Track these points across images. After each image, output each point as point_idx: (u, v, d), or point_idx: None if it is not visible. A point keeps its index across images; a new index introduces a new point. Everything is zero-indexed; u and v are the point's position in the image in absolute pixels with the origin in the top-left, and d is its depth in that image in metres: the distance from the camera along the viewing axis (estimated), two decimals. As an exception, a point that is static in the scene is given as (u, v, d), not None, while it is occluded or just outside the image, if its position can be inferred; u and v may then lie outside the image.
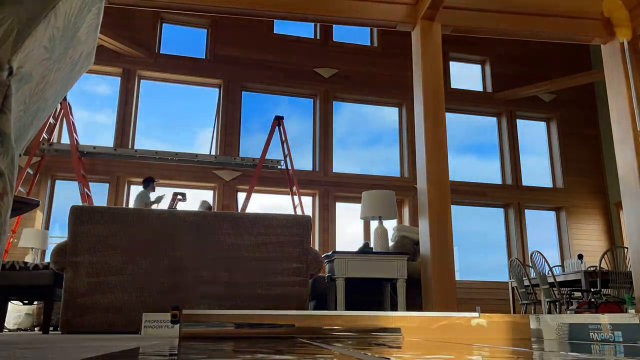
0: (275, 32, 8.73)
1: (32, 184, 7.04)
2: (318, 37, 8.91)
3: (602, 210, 9.09)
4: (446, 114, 4.13)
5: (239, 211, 7.49)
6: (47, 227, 7.34)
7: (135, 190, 7.74)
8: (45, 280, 3.53)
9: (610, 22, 4.44)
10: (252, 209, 7.71)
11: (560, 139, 9.33)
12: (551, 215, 9.13)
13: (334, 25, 9.04)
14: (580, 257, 6.26)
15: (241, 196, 7.92)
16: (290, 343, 1.87)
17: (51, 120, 7.25)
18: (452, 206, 9.94)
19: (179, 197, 7.03)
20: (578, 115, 9.56)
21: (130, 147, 7.72)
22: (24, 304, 4.16)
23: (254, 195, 7.95)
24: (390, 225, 9.56)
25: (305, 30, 8.96)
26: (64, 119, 7.33)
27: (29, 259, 6.13)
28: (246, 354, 1.26)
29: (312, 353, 1.29)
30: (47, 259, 6.58)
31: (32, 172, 7.13)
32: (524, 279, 6.34)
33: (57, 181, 7.56)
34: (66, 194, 7.61)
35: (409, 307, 4.25)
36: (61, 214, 7.51)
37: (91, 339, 2.33)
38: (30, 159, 6.90)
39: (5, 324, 5.33)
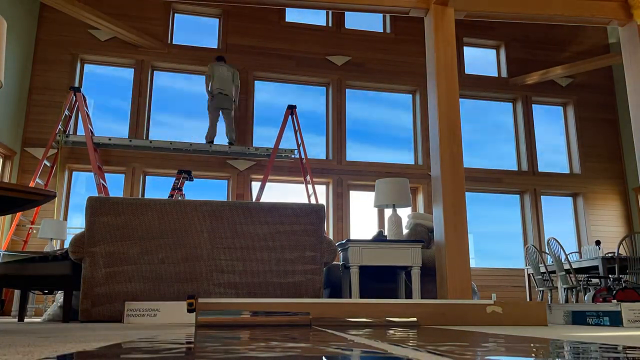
0: (286, 20, 8.69)
1: (49, 176, 7.14)
2: (330, 25, 8.85)
3: (621, 196, 8.97)
4: (460, 99, 4.09)
5: (254, 201, 7.53)
6: (65, 218, 7.45)
7: (151, 180, 7.80)
8: (64, 271, 3.59)
9: (627, 3, 4.34)
10: (266, 198, 7.75)
11: (577, 123, 9.19)
12: (568, 201, 9.03)
13: (346, 13, 8.96)
14: (597, 243, 6.19)
15: (255, 186, 7.95)
16: (305, 331, 1.88)
17: (66, 112, 7.33)
18: (466, 193, 9.82)
19: (185, 175, 7.08)
20: (595, 100, 9.41)
21: (145, 138, 7.78)
22: (44, 294, 4.24)
23: (268, 185, 7.98)
24: (405, 213, 9.47)
25: (317, 18, 8.90)
26: (79, 111, 7.40)
27: (47, 249, 6.23)
28: (261, 341, 1.27)
29: (326, 340, 1.29)
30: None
31: (49, 164, 7.23)
32: (540, 265, 6.30)
33: (74, 172, 7.66)
34: (86, 185, 7.71)
35: (424, 295, 4.25)
36: (80, 205, 7.62)
37: (109, 327, 2.36)
38: (47, 151, 6.99)
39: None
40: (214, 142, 7.46)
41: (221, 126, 7.66)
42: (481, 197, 8.75)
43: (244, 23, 8.48)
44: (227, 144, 7.50)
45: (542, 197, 8.84)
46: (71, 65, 7.73)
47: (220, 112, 7.45)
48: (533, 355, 0.98)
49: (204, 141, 7.69)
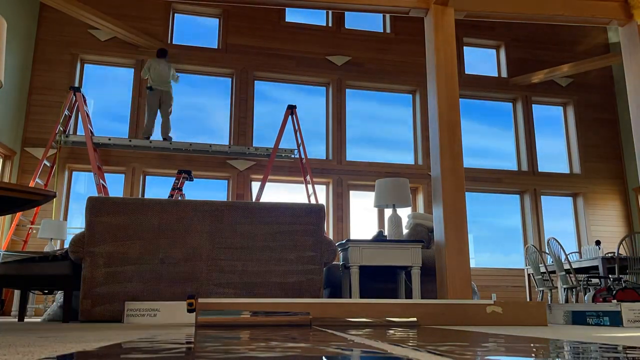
0: (287, 20, 8.69)
1: (49, 176, 7.14)
2: (330, 25, 8.85)
3: (621, 196, 8.97)
4: (460, 100, 4.09)
5: (253, 201, 7.55)
6: (65, 218, 7.44)
7: (151, 180, 7.80)
8: (64, 271, 3.59)
9: (627, 3, 4.34)
10: (266, 198, 7.75)
11: (577, 123, 9.19)
12: (568, 201, 9.03)
13: (346, 13, 8.96)
14: (597, 243, 6.19)
15: (255, 186, 7.95)
16: (305, 331, 1.88)
17: (66, 112, 7.32)
18: (466, 193, 9.83)
19: (184, 175, 7.09)
20: (595, 100, 9.41)
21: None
22: (44, 294, 4.24)
23: (267, 185, 7.97)
24: (405, 213, 9.47)
25: (317, 18, 8.90)
26: (79, 111, 7.40)
27: (47, 249, 6.23)
28: (261, 341, 1.27)
29: (326, 340, 1.29)
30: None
31: (49, 164, 7.23)
32: (540, 265, 6.30)
33: (74, 172, 7.66)
34: (86, 185, 7.70)
35: (424, 295, 4.25)
36: (80, 205, 7.62)
37: (109, 327, 2.36)
38: (47, 151, 6.99)
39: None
40: (153, 138, 7.43)
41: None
42: (481, 197, 8.75)
43: (244, 23, 8.48)
44: (162, 139, 7.38)
45: (542, 197, 8.84)
46: (71, 65, 7.73)
47: (159, 109, 7.41)
48: (533, 355, 0.98)
49: (203, 141, 7.69)
